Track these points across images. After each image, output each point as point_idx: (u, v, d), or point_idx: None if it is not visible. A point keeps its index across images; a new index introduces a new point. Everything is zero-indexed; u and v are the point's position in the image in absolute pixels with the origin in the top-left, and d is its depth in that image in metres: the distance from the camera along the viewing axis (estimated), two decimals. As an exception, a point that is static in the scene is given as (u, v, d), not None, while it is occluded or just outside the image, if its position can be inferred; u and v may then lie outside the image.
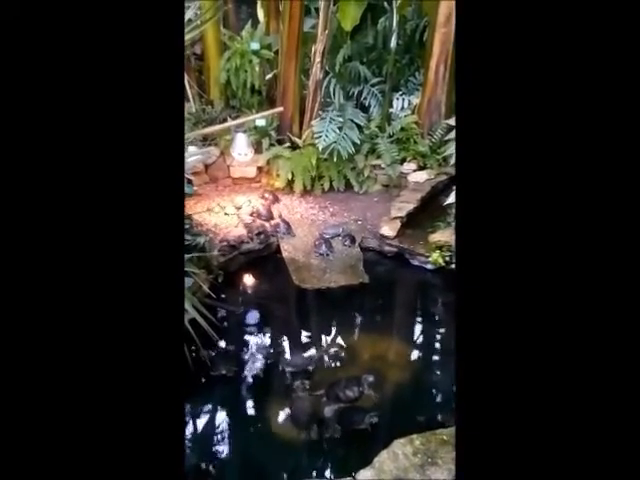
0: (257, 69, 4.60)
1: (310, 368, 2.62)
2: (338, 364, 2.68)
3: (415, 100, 4.66)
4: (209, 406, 2.44)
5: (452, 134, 3.77)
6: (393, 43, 4.43)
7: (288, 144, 4.51)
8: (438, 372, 2.76)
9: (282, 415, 2.33)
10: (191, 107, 4.64)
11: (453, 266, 3.36)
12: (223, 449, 2.21)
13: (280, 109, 4.09)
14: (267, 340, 2.93)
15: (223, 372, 2.51)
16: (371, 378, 2.47)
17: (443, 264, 3.39)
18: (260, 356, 2.74)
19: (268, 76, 4.81)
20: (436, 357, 2.95)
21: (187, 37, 2.61)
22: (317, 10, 4.39)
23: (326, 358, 2.71)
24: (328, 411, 2.31)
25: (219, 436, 2.27)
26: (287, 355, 2.78)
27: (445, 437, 1.70)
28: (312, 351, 2.78)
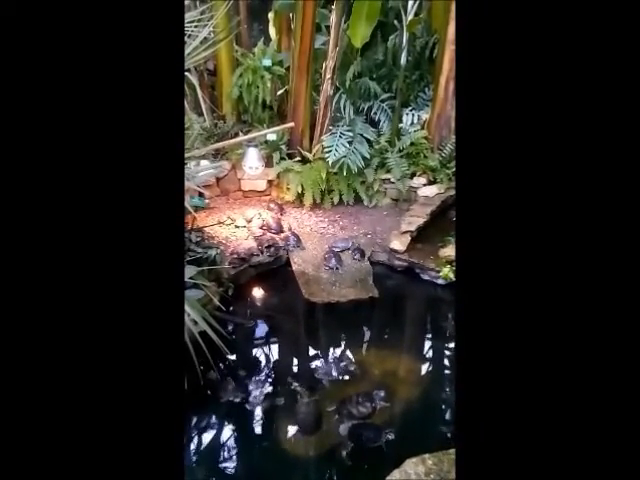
0: (269, 85, 4.68)
1: (324, 381, 2.60)
2: (348, 379, 2.65)
3: (425, 115, 4.70)
4: (216, 421, 2.42)
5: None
6: (403, 60, 4.50)
7: (298, 158, 4.56)
8: (448, 388, 2.72)
9: (292, 432, 2.31)
10: (204, 122, 4.72)
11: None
12: (230, 467, 2.18)
13: (291, 124, 4.15)
14: (276, 353, 2.92)
15: (230, 398, 2.47)
16: (382, 393, 2.45)
17: (454, 279, 3.36)
18: (268, 369, 2.73)
19: (279, 92, 4.89)
20: (447, 372, 2.90)
21: (202, 55, 2.68)
22: (328, 28, 4.48)
23: (335, 373, 2.69)
24: (343, 429, 2.28)
25: (226, 453, 2.24)
26: (295, 368, 2.76)
27: (459, 457, 1.67)
28: (321, 365, 2.76)
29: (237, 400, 2.47)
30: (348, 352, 2.88)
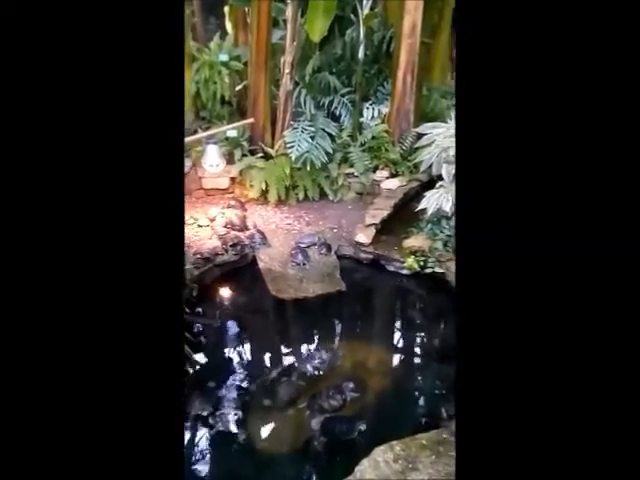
0: (227, 80, 4.58)
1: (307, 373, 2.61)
2: (320, 373, 2.66)
3: (385, 109, 4.76)
4: (188, 422, 2.36)
5: (421, 142, 3.86)
6: (361, 54, 4.52)
7: (261, 154, 4.50)
8: (418, 375, 2.78)
9: (266, 430, 2.28)
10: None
11: (428, 271, 3.42)
12: (205, 466, 2.14)
13: (251, 120, 4.08)
14: (245, 353, 2.88)
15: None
16: (352, 384, 2.47)
17: (418, 269, 3.44)
18: (238, 369, 2.69)
19: (238, 87, 4.80)
20: (416, 360, 2.97)
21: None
22: (285, 22, 4.44)
23: (310, 368, 2.69)
24: (315, 423, 2.28)
25: (200, 453, 2.19)
26: (267, 365, 2.74)
27: (425, 442, 1.71)
28: (292, 361, 2.75)
29: (210, 400, 2.42)
30: (318, 347, 2.89)
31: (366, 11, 4.39)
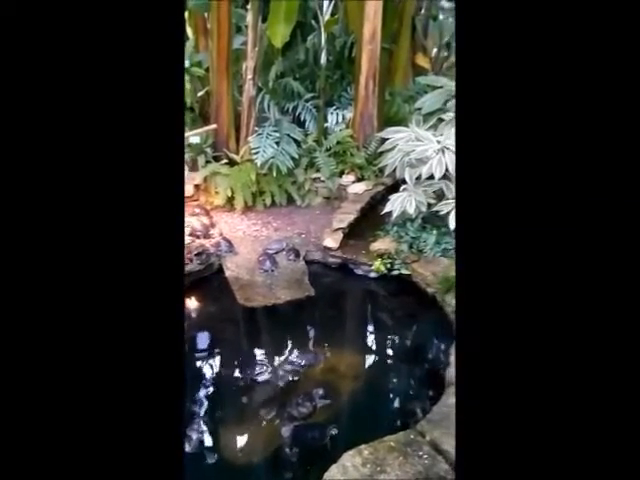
0: (188, 86, 4.50)
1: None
2: (292, 379, 2.63)
3: (349, 114, 4.81)
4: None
5: (385, 146, 3.93)
6: (323, 59, 4.56)
7: (225, 161, 4.44)
8: (389, 377, 2.80)
9: (237, 441, 2.24)
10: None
11: (394, 273, 3.47)
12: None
13: (214, 126, 4.03)
14: (214, 364, 2.82)
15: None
16: (321, 391, 2.46)
17: (385, 271, 3.48)
18: (207, 381, 2.63)
19: (200, 93, 4.73)
20: (386, 362, 3.00)
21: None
22: (247, 27, 4.41)
23: (281, 375, 2.65)
24: (285, 431, 2.25)
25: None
26: (237, 375, 2.69)
27: (392, 444, 1.72)
28: (264, 370, 2.72)
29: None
30: (289, 353, 2.86)
31: (327, 17, 4.43)
